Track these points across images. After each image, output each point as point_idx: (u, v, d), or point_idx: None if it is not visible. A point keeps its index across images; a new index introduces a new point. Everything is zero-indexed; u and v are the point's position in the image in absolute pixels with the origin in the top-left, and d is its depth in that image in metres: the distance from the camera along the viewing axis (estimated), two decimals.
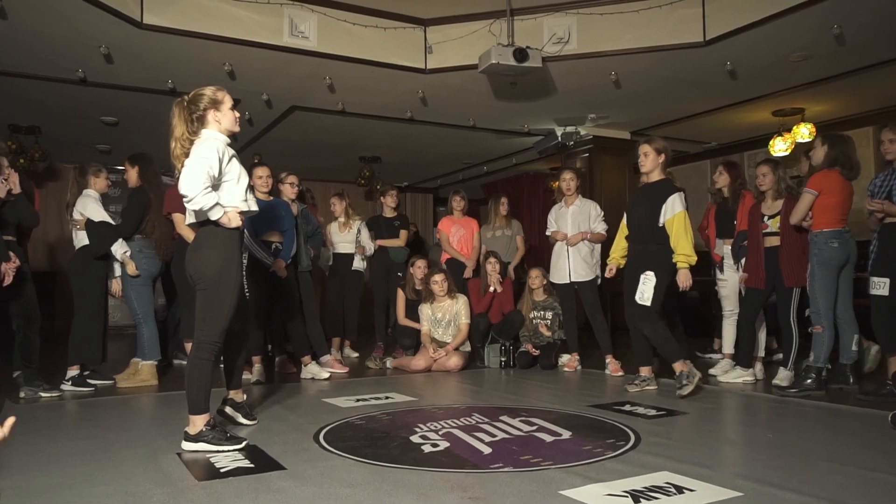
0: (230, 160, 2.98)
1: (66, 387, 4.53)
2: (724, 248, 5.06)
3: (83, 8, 4.67)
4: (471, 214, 6.61)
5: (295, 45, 5.52)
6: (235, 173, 2.99)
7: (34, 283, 4.45)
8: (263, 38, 5.40)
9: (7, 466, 2.60)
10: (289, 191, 5.31)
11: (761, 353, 4.90)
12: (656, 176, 4.39)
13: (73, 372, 4.61)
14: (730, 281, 5.02)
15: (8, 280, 3.99)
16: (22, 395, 4.23)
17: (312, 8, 5.53)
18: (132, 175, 4.87)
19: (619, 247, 4.60)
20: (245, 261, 4.78)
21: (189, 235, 4.33)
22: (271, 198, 5.02)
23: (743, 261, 4.77)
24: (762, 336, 4.91)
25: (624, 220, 4.60)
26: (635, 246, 4.41)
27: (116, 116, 7.35)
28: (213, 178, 2.86)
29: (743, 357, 4.73)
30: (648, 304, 4.17)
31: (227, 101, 3.04)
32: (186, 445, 2.90)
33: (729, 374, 4.77)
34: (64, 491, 2.33)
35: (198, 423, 2.91)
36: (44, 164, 8.53)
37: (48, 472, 2.58)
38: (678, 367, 4.18)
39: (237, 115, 3.09)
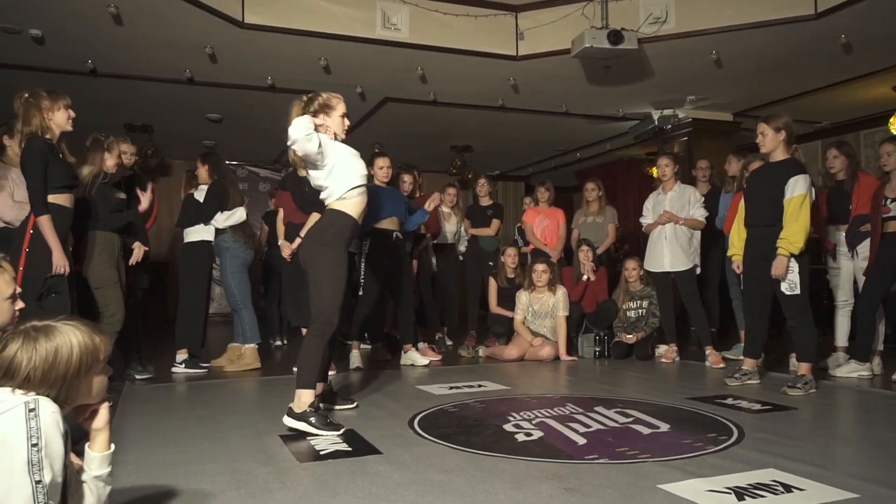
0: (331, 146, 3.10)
1: (180, 369, 4.82)
2: (838, 235, 4.74)
3: (190, 11, 4.93)
4: (562, 202, 6.49)
5: (387, 38, 5.61)
6: (334, 159, 3.09)
7: (148, 272, 4.88)
8: (357, 32, 5.52)
9: (130, 443, 2.80)
10: (380, 175, 5.03)
11: (880, 347, 4.58)
12: (780, 155, 4.08)
13: (182, 356, 4.88)
14: (843, 269, 4.71)
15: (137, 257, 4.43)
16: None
17: (404, 0, 5.60)
18: (202, 172, 5.09)
19: (741, 237, 4.26)
20: (366, 247, 4.93)
21: (282, 230, 4.94)
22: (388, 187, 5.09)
23: (859, 248, 4.46)
24: (881, 328, 4.59)
25: (741, 206, 4.28)
26: (759, 230, 4.08)
27: (220, 113, 7.72)
28: (319, 142, 2.97)
29: (860, 350, 4.43)
30: (799, 291, 3.90)
31: (339, 108, 3.19)
32: (288, 421, 2.97)
33: (843, 368, 4.48)
34: (179, 467, 2.48)
35: (303, 398, 2.99)
36: (156, 161, 9.09)
37: (164, 449, 2.75)
38: (806, 368, 3.94)
39: (347, 122, 3.23)
